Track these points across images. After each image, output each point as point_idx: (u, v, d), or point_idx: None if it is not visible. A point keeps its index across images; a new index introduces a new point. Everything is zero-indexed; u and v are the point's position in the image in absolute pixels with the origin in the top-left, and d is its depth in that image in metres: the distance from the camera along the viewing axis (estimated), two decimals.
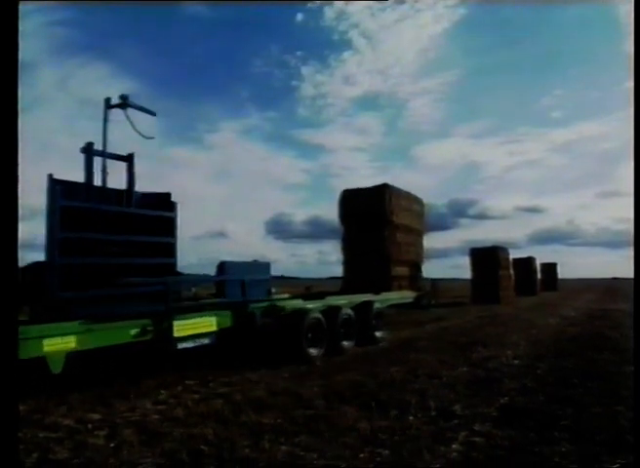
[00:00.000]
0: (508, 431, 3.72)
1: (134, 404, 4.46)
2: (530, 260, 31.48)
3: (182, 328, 5.44)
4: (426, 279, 14.20)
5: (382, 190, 11.97)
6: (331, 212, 13.19)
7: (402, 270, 12.50)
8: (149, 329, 5.18)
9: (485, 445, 3.44)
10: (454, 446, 3.42)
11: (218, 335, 5.94)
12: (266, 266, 7.85)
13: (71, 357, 4.55)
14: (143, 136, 6.62)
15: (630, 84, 2.83)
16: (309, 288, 11.83)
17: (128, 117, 6.53)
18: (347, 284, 12.21)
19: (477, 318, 13.87)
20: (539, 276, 33.26)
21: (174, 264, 6.72)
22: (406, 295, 11.42)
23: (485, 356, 7.08)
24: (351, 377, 5.57)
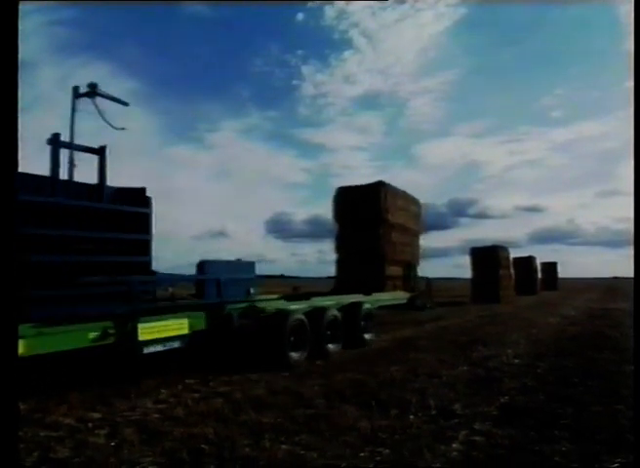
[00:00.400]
0: (509, 430, 3.72)
1: (134, 403, 4.46)
2: (530, 260, 31.47)
3: (149, 330, 5.06)
4: (422, 278, 13.91)
5: (378, 188, 11.76)
6: (331, 211, 13.13)
7: (397, 270, 12.26)
8: (111, 332, 4.80)
9: (485, 444, 3.45)
10: (454, 445, 3.42)
11: (190, 339, 5.57)
12: (251, 265, 7.52)
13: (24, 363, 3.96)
14: (113, 126, 6.26)
15: (630, 83, 2.82)
16: (297, 288, 11.49)
17: (96, 106, 6.16)
18: (340, 283, 11.99)
19: (477, 317, 13.88)
20: (539, 275, 33.26)
21: (148, 262, 6.36)
22: (399, 296, 11.14)
23: (485, 355, 7.08)
24: (352, 377, 5.57)
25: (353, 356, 7.16)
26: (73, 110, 6.09)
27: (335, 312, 7.43)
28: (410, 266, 13.00)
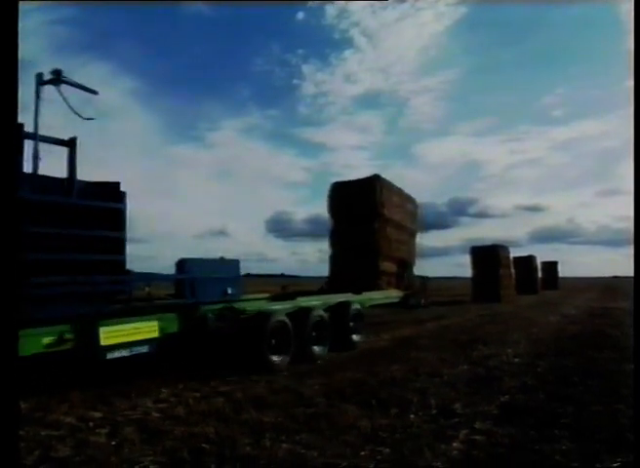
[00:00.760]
0: (509, 429, 3.72)
1: (135, 402, 4.46)
2: (530, 259, 31.46)
3: (113, 334, 4.75)
4: (418, 277, 13.69)
5: (373, 182, 11.61)
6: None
7: (391, 267, 12.02)
8: (68, 336, 4.46)
9: (486, 443, 3.45)
10: (454, 444, 3.42)
11: (161, 342, 5.25)
12: (235, 264, 7.15)
13: None
14: (81, 116, 5.82)
15: (630, 82, 2.82)
16: (285, 287, 11.14)
17: (61, 94, 5.72)
18: (333, 279, 11.77)
19: (478, 316, 13.89)
20: (539, 274, 33.25)
21: (122, 261, 5.99)
22: (391, 295, 10.76)
23: (485, 354, 7.08)
24: (352, 376, 5.58)
25: (353, 355, 7.16)
26: (37, 98, 5.67)
27: (321, 312, 7.11)
28: (405, 264, 12.83)
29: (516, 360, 6.70)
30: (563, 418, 4.01)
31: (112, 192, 6.06)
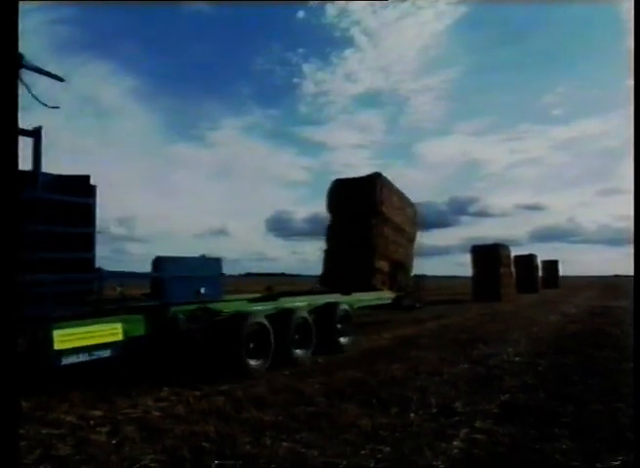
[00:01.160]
0: (509, 428, 3.73)
1: (135, 401, 4.47)
2: (531, 258, 31.44)
3: (68, 338, 4.43)
4: (414, 276, 13.46)
5: (374, 180, 11.51)
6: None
7: (387, 267, 11.88)
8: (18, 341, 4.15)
9: (486, 441, 3.45)
10: (455, 443, 3.43)
11: (125, 346, 4.93)
12: (216, 263, 6.79)
13: None
14: (46, 104, 5.46)
15: (630, 82, 2.82)
16: (271, 287, 10.75)
17: (22, 80, 5.20)
18: (327, 275, 11.58)
19: (478, 315, 13.89)
20: (540, 273, 33.23)
21: (91, 259, 5.67)
22: (383, 296, 10.49)
23: (486, 353, 7.08)
24: (352, 375, 5.58)
25: (353, 354, 7.17)
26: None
27: (304, 314, 6.79)
28: (401, 266, 12.57)
29: (516, 359, 6.71)
30: (563, 417, 4.01)
31: (81, 186, 5.75)
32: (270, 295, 8.28)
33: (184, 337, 5.49)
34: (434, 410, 4.20)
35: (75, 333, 4.47)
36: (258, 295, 8.22)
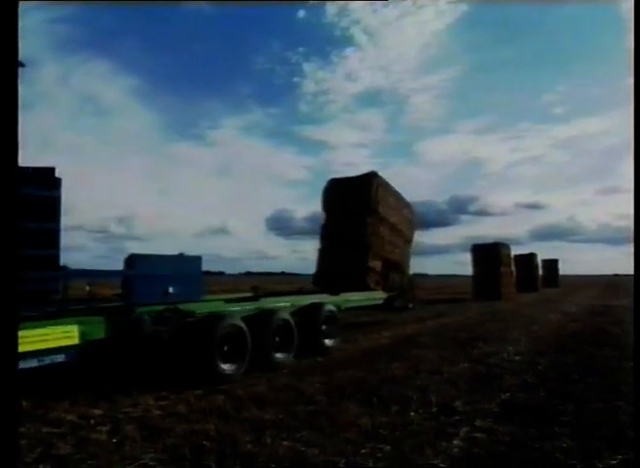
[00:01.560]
0: (509, 427, 3.73)
1: (136, 400, 4.47)
2: (531, 257, 31.45)
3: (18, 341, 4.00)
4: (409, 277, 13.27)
5: (370, 179, 11.38)
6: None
7: (382, 267, 11.69)
8: None
9: (486, 440, 3.45)
10: (455, 441, 3.43)
11: (82, 350, 4.55)
12: (195, 261, 6.46)
13: None
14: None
15: (630, 80, 2.81)
16: (256, 287, 10.41)
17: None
18: (320, 274, 11.46)
19: (478, 314, 13.89)
20: (540, 272, 33.22)
21: (56, 256, 5.42)
22: (373, 297, 10.16)
23: (486, 352, 7.09)
24: (352, 373, 5.59)
25: (354, 353, 7.17)
26: None
27: (285, 315, 6.47)
28: (397, 267, 12.38)
29: (517, 357, 6.71)
30: (563, 416, 4.01)
31: (46, 178, 5.52)
32: (251, 296, 7.93)
33: (150, 340, 5.10)
34: (434, 409, 4.20)
35: (24, 337, 4.00)
36: (239, 296, 7.91)
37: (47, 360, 4.27)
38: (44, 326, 4.33)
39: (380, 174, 11.66)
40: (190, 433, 3.57)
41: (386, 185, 11.87)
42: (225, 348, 5.35)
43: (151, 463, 3.05)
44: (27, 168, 5.51)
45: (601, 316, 12.94)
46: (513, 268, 25.08)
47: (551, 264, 38.95)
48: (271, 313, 6.32)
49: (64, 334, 4.43)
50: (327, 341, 7.25)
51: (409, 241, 13.46)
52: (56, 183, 5.57)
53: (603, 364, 6.21)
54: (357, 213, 11.07)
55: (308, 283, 12.16)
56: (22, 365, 3.99)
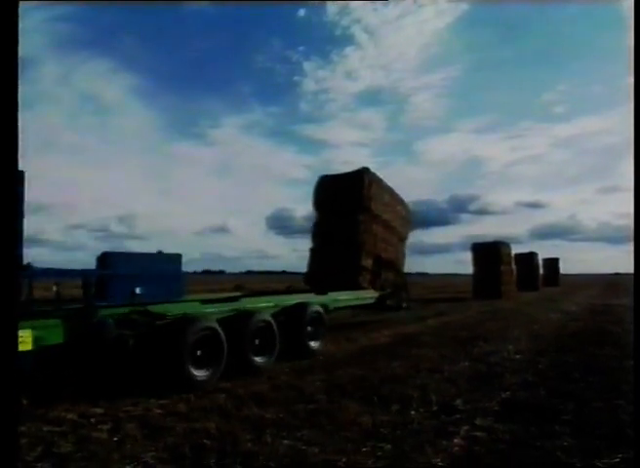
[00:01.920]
0: (510, 425, 3.73)
1: (136, 399, 4.48)
2: (532, 256, 31.43)
3: None
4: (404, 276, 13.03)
5: (361, 175, 11.09)
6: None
7: (375, 265, 11.45)
8: None
9: (487, 439, 3.46)
10: (455, 440, 3.43)
11: (37, 356, 4.24)
12: (175, 259, 6.08)
13: None
14: None
15: (630, 79, 2.81)
16: (239, 286, 10.06)
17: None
18: (312, 273, 11.27)
19: (479, 313, 13.89)
20: (540, 271, 33.21)
21: (19, 255, 5.59)
22: (364, 296, 9.84)
23: (486, 351, 7.09)
24: (353, 372, 5.59)
25: (354, 352, 7.17)
26: None
27: (266, 316, 6.14)
28: (391, 265, 12.19)
29: (517, 356, 6.71)
30: (564, 414, 4.01)
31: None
32: (231, 296, 7.49)
33: (114, 345, 4.75)
34: (435, 408, 4.20)
35: None
36: (219, 296, 7.65)
37: None
38: None
39: (380, 172, 11.57)
40: (191, 431, 3.58)
41: (379, 182, 11.62)
42: (199, 353, 5.04)
43: (152, 462, 3.05)
44: None
45: (601, 315, 12.93)
46: (514, 267, 25.08)
47: (552, 263, 38.94)
48: (250, 314, 5.99)
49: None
50: (312, 343, 6.94)
51: (403, 238, 13.21)
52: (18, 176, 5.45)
53: (603, 363, 6.21)
54: (349, 210, 10.84)
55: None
56: None
